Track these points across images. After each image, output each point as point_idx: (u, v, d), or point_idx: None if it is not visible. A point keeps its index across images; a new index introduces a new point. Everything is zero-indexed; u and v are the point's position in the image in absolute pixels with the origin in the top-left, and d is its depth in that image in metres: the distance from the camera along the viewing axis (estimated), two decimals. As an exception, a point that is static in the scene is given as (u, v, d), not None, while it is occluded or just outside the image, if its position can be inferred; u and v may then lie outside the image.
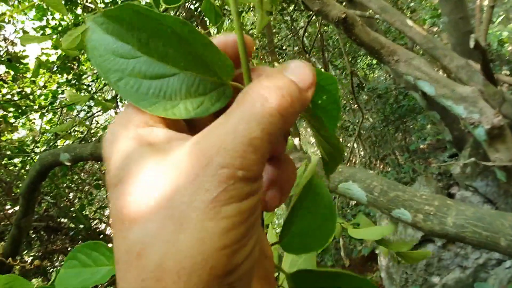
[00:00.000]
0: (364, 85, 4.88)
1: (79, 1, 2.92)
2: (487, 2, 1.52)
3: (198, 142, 0.18)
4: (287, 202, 0.29)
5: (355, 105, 4.39)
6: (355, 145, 5.12)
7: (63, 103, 3.26)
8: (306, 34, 4.71)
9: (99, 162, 3.06)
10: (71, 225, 3.35)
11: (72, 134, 3.89)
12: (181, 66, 0.21)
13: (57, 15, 3.44)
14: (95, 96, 2.72)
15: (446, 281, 1.95)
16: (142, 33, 0.21)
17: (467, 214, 0.81)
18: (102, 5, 3.11)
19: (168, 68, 0.21)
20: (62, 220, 3.33)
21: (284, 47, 4.85)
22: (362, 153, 5.39)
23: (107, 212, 4.74)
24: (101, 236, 3.20)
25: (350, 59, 5.28)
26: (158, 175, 0.18)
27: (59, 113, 3.63)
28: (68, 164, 1.61)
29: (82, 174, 4.06)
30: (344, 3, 2.42)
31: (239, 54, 0.22)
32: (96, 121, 3.89)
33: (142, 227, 0.17)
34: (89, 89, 3.27)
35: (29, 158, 2.98)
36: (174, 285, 0.16)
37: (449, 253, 1.98)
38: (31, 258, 3.30)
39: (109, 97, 3.59)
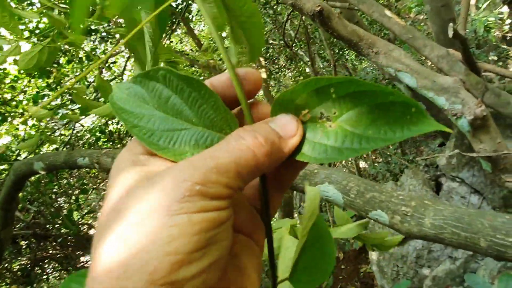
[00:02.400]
0: (352, 76, 4.85)
1: (55, 3, 2.84)
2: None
3: (178, 165, 0.21)
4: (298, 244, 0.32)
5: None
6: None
7: (44, 108, 3.19)
8: (292, 26, 4.65)
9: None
10: (62, 230, 3.30)
11: (58, 138, 3.83)
12: (192, 122, 0.25)
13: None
14: (61, 111, 2.65)
15: (437, 273, 1.94)
16: (164, 93, 0.25)
17: (445, 214, 0.78)
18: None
19: (181, 123, 0.25)
20: (51, 226, 3.27)
21: (270, 41, 4.79)
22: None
23: (97, 214, 4.69)
24: (89, 241, 3.15)
25: (337, 51, 5.24)
26: (138, 187, 0.20)
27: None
28: (42, 172, 1.56)
29: (71, 179, 4.00)
30: (324, -5, 2.38)
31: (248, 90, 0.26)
32: (80, 124, 3.82)
33: (104, 228, 0.20)
34: (71, 91, 3.20)
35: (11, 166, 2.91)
36: (118, 281, 0.17)
37: (439, 245, 1.96)
38: (19, 266, 3.24)
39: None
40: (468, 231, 0.74)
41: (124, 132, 3.71)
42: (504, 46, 4.31)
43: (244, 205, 0.26)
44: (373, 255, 2.28)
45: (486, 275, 1.74)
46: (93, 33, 3.22)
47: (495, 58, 4.35)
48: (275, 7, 4.09)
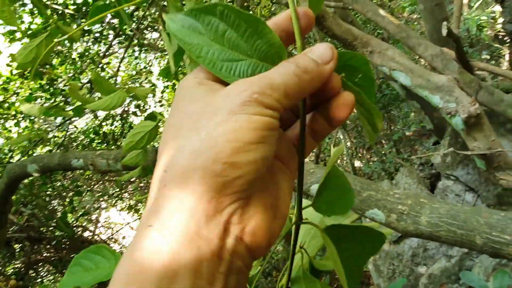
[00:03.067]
0: (346, 75, 4.84)
1: (48, 3, 2.82)
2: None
3: (239, 81, 0.25)
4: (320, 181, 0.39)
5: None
6: (341, 136, 5.12)
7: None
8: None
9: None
10: (57, 233, 3.27)
11: (52, 140, 3.79)
12: (248, 54, 0.27)
13: (27, 19, 3.32)
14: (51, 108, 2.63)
15: (432, 271, 1.95)
16: (220, 27, 0.27)
17: (441, 212, 0.78)
18: (73, 7, 3.01)
19: (237, 55, 0.27)
20: (45, 229, 3.24)
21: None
22: (348, 143, 5.39)
23: (91, 217, 4.66)
24: (84, 243, 3.13)
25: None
26: (205, 95, 0.25)
27: (36, 119, 3.53)
28: (36, 175, 1.54)
29: (65, 180, 3.97)
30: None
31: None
32: (74, 126, 3.79)
33: (175, 130, 0.25)
34: (64, 93, 3.17)
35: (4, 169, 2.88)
36: (190, 156, 0.22)
37: (434, 243, 1.97)
38: (14, 269, 3.21)
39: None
40: (463, 229, 0.74)
41: (118, 133, 3.69)
42: (497, 45, 4.34)
43: (284, 139, 0.30)
44: (369, 254, 2.27)
45: (481, 272, 1.75)
46: (86, 34, 3.20)
47: (488, 56, 4.38)
48: (269, 6, 4.09)
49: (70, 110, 3.00)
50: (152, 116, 1.01)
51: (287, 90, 0.25)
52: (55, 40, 0.77)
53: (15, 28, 3.25)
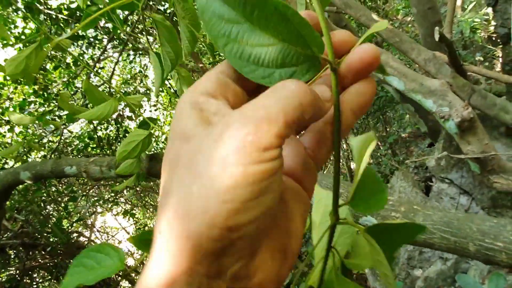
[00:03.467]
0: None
1: (41, 8, 2.81)
2: (452, -8, 1.50)
3: (231, 115, 0.22)
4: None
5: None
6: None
7: (31, 115, 3.14)
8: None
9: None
10: (51, 239, 3.24)
11: (46, 145, 3.77)
12: (279, 38, 0.25)
13: (20, 23, 3.30)
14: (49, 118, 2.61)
15: (428, 274, 1.95)
16: (248, 4, 0.24)
17: (434, 219, 0.78)
18: (66, 12, 3.00)
19: (267, 38, 0.25)
20: (39, 235, 3.21)
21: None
22: (344, 146, 5.40)
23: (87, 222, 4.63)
24: (79, 249, 3.10)
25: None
26: (195, 135, 0.22)
27: (30, 125, 3.50)
28: (29, 182, 1.53)
29: (60, 186, 3.94)
30: (312, -1, 2.38)
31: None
32: (68, 130, 3.77)
33: (169, 174, 0.22)
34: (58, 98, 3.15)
35: (-2, 175, 2.85)
36: (183, 222, 0.20)
37: (430, 246, 1.97)
38: (8, 276, 3.18)
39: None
40: (457, 236, 0.74)
41: (114, 138, 3.67)
42: (490, 47, 4.37)
43: (299, 151, 0.27)
44: (365, 257, 2.28)
45: (476, 275, 1.75)
46: (80, 39, 3.19)
47: (481, 58, 4.41)
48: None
49: (64, 115, 2.98)
50: (145, 123, 1.00)
51: (287, 119, 0.21)
52: (45, 49, 0.76)
53: (8, 33, 3.23)
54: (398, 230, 0.37)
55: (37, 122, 3.48)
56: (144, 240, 0.54)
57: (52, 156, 3.16)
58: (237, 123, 0.21)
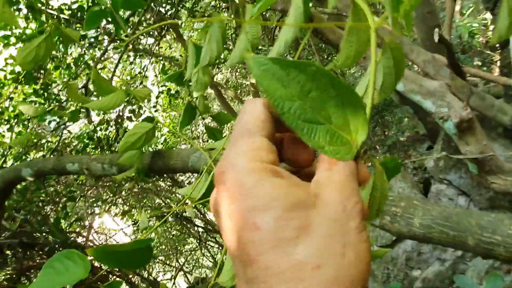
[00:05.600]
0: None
1: (43, 8, 2.82)
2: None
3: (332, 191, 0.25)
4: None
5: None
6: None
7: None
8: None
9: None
10: (50, 239, 3.23)
11: (45, 145, 3.77)
12: (329, 120, 0.27)
13: (21, 24, 3.31)
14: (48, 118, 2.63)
15: (426, 275, 1.96)
16: (307, 84, 0.26)
17: (434, 214, 0.79)
18: (68, 12, 3.02)
19: (318, 117, 0.26)
20: (38, 235, 3.21)
21: (259, 47, 4.82)
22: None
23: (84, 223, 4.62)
24: (77, 249, 3.09)
25: (326, 56, 5.29)
26: (311, 206, 0.24)
27: (30, 124, 3.50)
28: (31, 179, 1.53)
29: (59, 186, 3.93)
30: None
31: None
32: (68, 131, 3.77)
33: (309, 245, 0.22)
34: (58, 98, 3.16)
35: (-3, 174, 2.85)
36: None
37: (428, 247, 1.98)
38: (5, 276, 3.17)
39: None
40: (456, 230, 0.75)
41: (113, 138, 3.67)
42: (488, 52, 4.40)
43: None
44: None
45: (474, 276, 1.76)
46: (81, 39, 3.20)
47: (480, 63, 4.44)
48: (264, 12, 4.12)
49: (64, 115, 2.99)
50: (149, 119, 1.01)
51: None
52: (55, 40, 0.78)
53: (9, 33, 3.24)
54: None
55: (37, 122, 3.49)
56: (105, 253, 0.55)
57: (51, 156, 3.16)
58: (351, 199, 0.24)
